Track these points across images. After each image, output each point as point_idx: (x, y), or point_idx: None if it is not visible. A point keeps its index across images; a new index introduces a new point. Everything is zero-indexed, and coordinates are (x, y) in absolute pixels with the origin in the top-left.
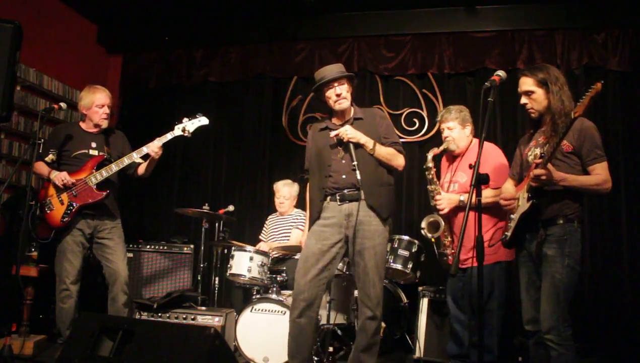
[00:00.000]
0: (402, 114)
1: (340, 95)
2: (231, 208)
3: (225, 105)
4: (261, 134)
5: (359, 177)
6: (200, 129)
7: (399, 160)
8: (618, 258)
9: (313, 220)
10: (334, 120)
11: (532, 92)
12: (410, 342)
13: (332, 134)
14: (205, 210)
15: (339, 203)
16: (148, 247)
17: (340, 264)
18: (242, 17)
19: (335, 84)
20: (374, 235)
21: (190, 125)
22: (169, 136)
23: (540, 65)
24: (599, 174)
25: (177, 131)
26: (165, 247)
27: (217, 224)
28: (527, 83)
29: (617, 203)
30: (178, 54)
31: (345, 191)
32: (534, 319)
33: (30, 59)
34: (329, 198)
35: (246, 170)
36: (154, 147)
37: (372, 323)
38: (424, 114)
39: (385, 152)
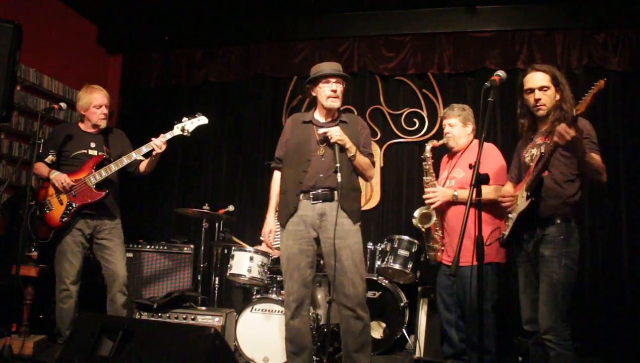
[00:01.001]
0: (402, 114)
1: (335, 92)
2: (231, 208)
3: (225, 105)
4: (261, 134)
5: (339, 179)
6: (199, 129)
7: (371, 172)
8: (618, 258)
9: (288, 214)
10: (318, 117)
11: (548, 88)
12: (410, 342)
13: (322, 131)
14: (205, 210)
15: (312, 201)
16: (148, 247)
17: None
18: (242, 17)
19: (333, 80)
20: (348, 235)
21: (189, 124)
22: (168, 136)
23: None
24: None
25: (177, 130)
26: (165, 247)
27: (217, 224)
28: (544, 78)
29: (617, 203)
30: (178, 54)
31: (320, 190)
32: (532, 319)
33: (30, 59)
34: (302, 194)
35: (246, 170)
36: (157, 142)
37: (357, 323)
38: (424, 114)
39: (363, 161)
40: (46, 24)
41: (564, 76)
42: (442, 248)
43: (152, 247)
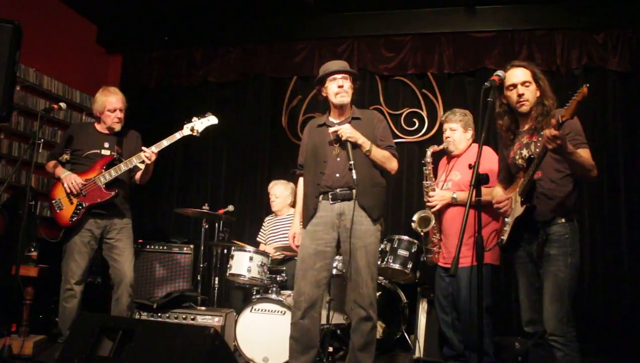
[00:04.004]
0: (402, 114)
1: (342, 88)
2: (231, 208)
3: (225, 105)
4: (261, 134)
5: (354, 176)
6: (207, 129)
7: (392, 164)
8: (618, 258)
9: (309, 216)
10: (332, 118)
11: (530, 83)
12: (410, 342)
13: (331, 130)
14: (205, 210)
15: (331, 202)
16: (148, 247)
17: (340, 264)
18: (242, 17)
19: (339, 77)
20: (365, 235)
21: (199, 124)
22: (177, 136)
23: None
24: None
25: (186, 130)
26: (165, 247)
27: (217, 224)
28: (526, 74)
29: (617, 203)
30: (178, 54)
31: (338, 190)
32: (533, 320)
33: (30, 59)
34: (321, 196)
35: (246, 170)
36: (147, 153)
37: (367, 324)
38: (424, 114)
39: (380, 155)
40: (46, 24)
41: (542, 73)
42: (440, 250)
43: (152, 247)
